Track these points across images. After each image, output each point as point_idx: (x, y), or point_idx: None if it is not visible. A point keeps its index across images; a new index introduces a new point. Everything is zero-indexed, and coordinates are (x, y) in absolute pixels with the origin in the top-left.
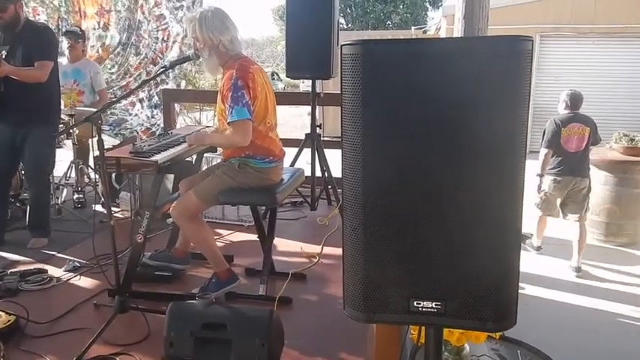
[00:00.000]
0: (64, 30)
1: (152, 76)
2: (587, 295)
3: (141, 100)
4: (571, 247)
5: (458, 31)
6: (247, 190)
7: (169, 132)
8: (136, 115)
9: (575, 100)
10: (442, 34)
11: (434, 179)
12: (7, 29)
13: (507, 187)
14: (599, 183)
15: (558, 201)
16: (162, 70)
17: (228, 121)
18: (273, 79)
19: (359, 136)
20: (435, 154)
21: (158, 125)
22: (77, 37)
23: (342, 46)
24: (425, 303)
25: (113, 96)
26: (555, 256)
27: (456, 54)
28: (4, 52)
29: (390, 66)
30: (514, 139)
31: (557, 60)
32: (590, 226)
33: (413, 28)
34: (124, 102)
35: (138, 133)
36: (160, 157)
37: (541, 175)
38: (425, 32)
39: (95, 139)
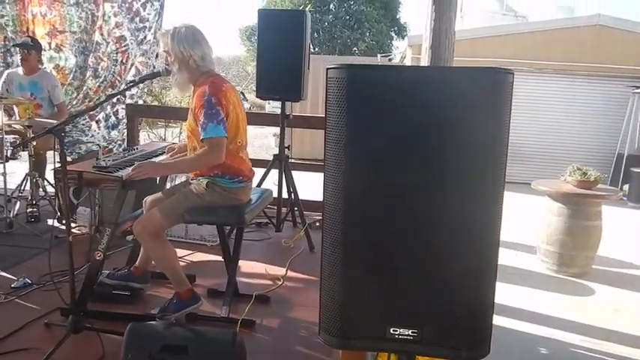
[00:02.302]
0: (9, 55)
1: (120, 89)
2: (544, 324)
3: (97, 121)
4: (527, 276)
5: (425, 61)
6: (214, 209)
7: (134, 147)
8: (92, 135)
9: None
10: (407, 63)
11: (412, 205)
12: None
13: (484, 214)
14: (554, 214)
15: None
16: (130, 84)
17: (202, 137)
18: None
19: (341, 157)
20: (414, 178)
21: (115, 143)
22: (29, 47)
23: (328, 69)
24: (401, 330)
25: (75, 125)
26: (515, 283)
27: (440, 82)
28: None
29: (373, 90)
30: (493, 167)
31: (515, 94)
32: (544, 256)
33: (379, 55)
34: (80, 122)
35: (100, 147)
36: (124, 173)
37: None
38: (390, 60)
39: (54, 152)
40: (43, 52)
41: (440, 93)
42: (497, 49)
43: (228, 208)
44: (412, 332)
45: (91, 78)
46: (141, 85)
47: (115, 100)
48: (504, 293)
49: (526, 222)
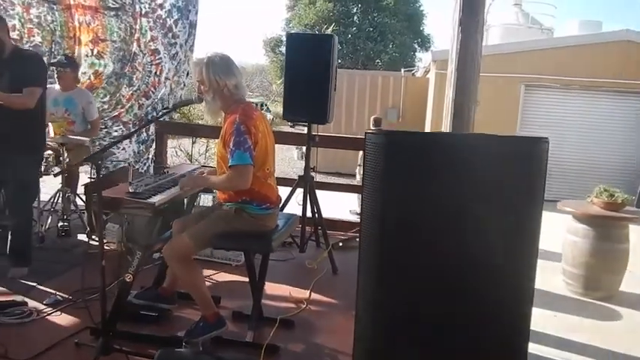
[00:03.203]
0: (54, 57)
1: (156, 117)
2: (569, 350)
3: (125, 123)
4: (552, 299)
5: (451, 83)
6: (242, 235)
7: (165, 170)
8: (124, 149)
9: None
10: (431, 78)
11: (451, 275)
12: None
13: (514, 288)
14: (579, 236)
15: None
16: (165, 111)
17: (229, 164)
18: (262, 109)
19: (378, 221)
20: (451, 242)
21: (147, 159)
22: (64, 65)
23: (366, 134)
24: None
25: (104, 126)
26: (539, 306)
27: (473, 150)
28: None
29: (411, 156)
30: (527, 235)
31: (541, 109)
32: (569, 279)
33: (402, 70)
34: (113, 134)
35: (131, 164)
36: (157, 200)
37: None
38: (413, 74)
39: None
40: (85, 58)
41: (475, 160)
42: (523, 65)
43: (256, 234)
44: None
45: (125, 86)
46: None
47: (149, 117)
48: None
49: (550, 241)
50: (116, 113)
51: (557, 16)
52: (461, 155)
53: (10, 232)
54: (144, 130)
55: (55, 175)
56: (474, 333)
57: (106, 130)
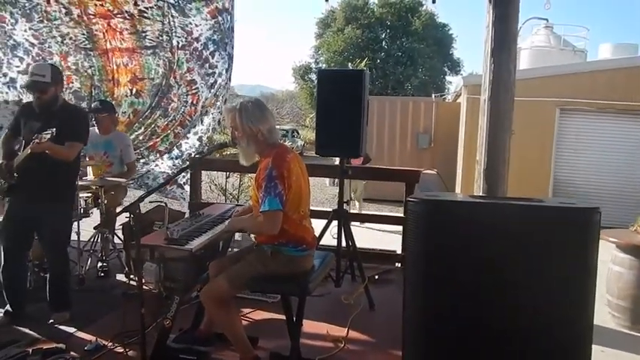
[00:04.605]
0: (94, 100)
1: (189, 163)
2: None
3: (160, 152)
4: (598, 332)
5: (484, 113)
6: (278, 278)
7: (200, 213)
8: (157, 165)
9: None
10: (463, 103)
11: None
12: (44, 109)
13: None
14: (624, 267)
15: None
16: (199, 156)
17: (260, 210)
18: (293, 136)
19: (420, 289)
20: (494, 314)
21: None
22: (99, 111)
23: (407, 201)
24: None
25: (140, 156)
26: None
27: (520, 220)
28: (48, 134)
29: (452, 225)
30: (581, 307)
31: (577, 133)
32: (615, 311)
33: (433, 95)
34: (147, 155)
35: (166, 204)
36: (194, 245)
37: None
38: (444, 99)
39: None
40: (125, 98)
41: (520, 230)
42: (558, 88)
43: (292, 276)
44: None
45: (160, 117)
46: (201, 133)
47: (181, 135)
48: None
49: None
50: (151, 143)
51: (589, 39)
52: (505, 226)
53: (47, 280)
54: (176, 147)
55: (96, 227)
56: None
57: (143, 160)
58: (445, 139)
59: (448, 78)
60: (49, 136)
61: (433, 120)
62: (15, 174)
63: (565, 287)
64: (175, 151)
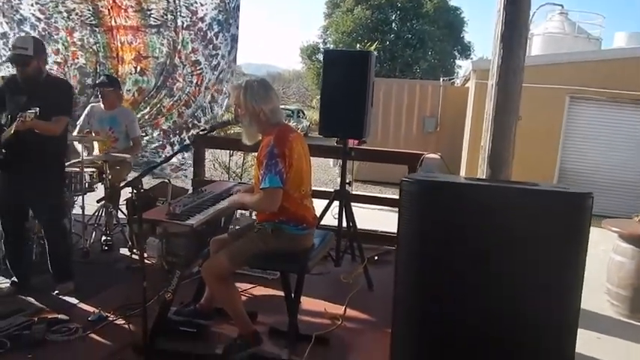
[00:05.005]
0: (99, 77)
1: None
2: None
3: (172, 144)
4: (596, 319)
5: (491, 98)
6: (278, 255)
7: (202, 189)
8: (166, 156)
9: None
10: (471, 88)
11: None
12: (28, 82)
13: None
14: (626, 257)
15: None
16: (203, 133)
17: (260, 187)
18: (299, 116)
19: (411, 268)
20: (484, 295)
21: (188, 165)
22: (105, 85)
23: (402, 181)
24: None
25: (144, 134)
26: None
27: (512, 202)
28: (32, 112)
29: (446, 206)
30: (571, 290)
31: (586, 122)
32: (615, 300)
33: (442, 79)
34: (154, 144)
35: (169, 181)
36: (195, 221)
37: None
38: (452, 83)
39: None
40: (129, 76)
41: (513, 212)
42: (569, 76)
43: (292, 254)
44: None
45: (166, 97)
46: (208, 115)
47: (190, 124)
48: None
49: (594, 258)
50: (156, 121)
51: (605, 27)
52: (498, 208)
53: (47, 252)
54: (187, 138)
55: (99, 201)
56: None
57: (147, 140)
58: (452, 123)
59: (458, 62)
60: (33, 115)
61: (440, 104)
62: (2, 149)
63: (556, 271)
64: (186, 143)
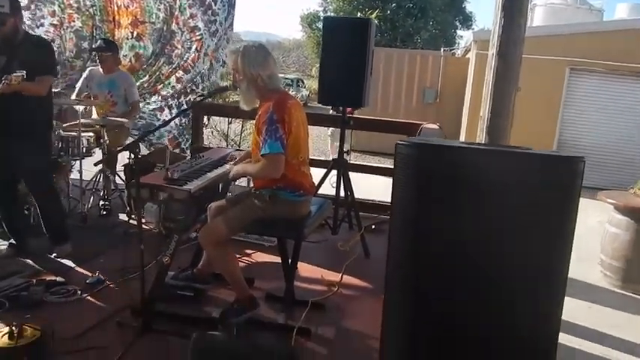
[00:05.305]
0: (96, 41)
1: (190, 106)
2: (606, 345)
3: (170, 107)
4: (588, 289)
5: (491, 68)
6: (275, 222)
7: (200, 155)
8: (164, 120)
9: None
10: (471, 58)
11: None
12: (6, 42)
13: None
14: (621, 228)
15: None
16: (201, 98)
17: (261, 153)
18: (298, 85)
19: (404, 234)
20: (479, 261)
21: (184, 134)
22: (103, 49)
23: (397, 144)
24: None
25: (142, 99)
26: (575, 296)
27: (503, 166)
28: (19, 75)
29: (441, 169)
30: (560, 255)
31: (586, 93)
32: (608, 270)
33: (442, 49)
34: (152, 107)
35: (168, 147)
36: (192, 187)
37: None
38: (453, 53)
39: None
40: (126, 41)
41: (508, 177)
42: (569, 48)
43: (289, 220)
44: None
45: (164, 65)
46: (206, 82)
47: (189, 89)
48: (564, 306)
49: (589, 230)
50: (154, 88)
51: None
52: (491, 171)
53: (40, 216)
54: (185, 102)
55: (96, 164)
56: (499, 323)
57: (145, 103)
58: (452, 94)
59: (459, 32)
60: (20, 77)
61: (440, 75)
62: None
63: (546, 235)
64: (184, 107)
